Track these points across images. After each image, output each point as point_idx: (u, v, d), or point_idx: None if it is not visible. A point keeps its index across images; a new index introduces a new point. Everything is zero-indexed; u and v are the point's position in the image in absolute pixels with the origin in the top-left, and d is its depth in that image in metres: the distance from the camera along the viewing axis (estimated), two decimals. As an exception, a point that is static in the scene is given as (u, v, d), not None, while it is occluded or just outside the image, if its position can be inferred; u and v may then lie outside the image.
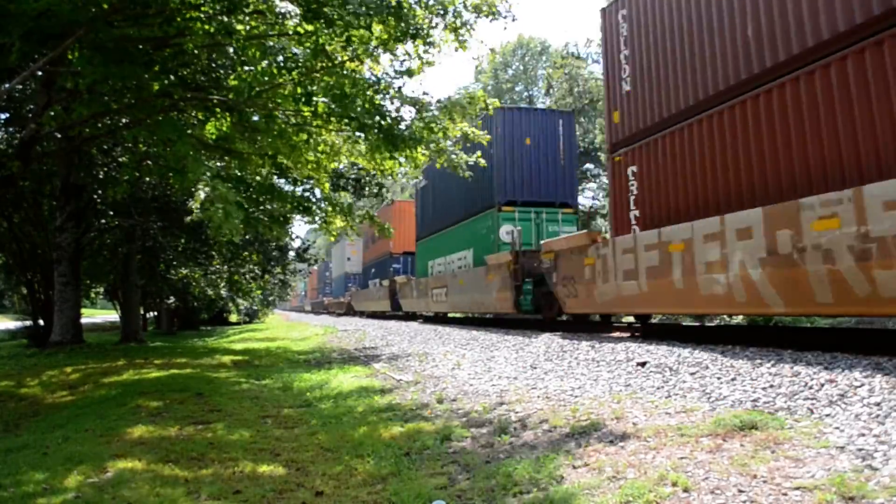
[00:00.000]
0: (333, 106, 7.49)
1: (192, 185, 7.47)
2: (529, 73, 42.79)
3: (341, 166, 12.21)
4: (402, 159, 8.86)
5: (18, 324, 21.57)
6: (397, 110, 8.12)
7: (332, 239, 12.92)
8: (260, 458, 4.11)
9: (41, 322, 16.72)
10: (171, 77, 7.27)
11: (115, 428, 5.24)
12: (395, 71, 8.22)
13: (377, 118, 7.69)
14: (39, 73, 8.12)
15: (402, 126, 8.04)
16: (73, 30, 6.21)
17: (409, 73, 8.06)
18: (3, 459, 4.46)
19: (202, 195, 7.15)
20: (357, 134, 8.26)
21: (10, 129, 13.96)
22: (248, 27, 7.24)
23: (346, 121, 7.62)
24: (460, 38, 7.93)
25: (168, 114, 7.78)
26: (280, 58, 7.31)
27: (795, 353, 5.59)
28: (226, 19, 6.70)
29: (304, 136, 8.57)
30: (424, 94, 8.58)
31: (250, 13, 6.95)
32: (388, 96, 8.14)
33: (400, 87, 8.29)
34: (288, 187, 11.98)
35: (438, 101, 8.57)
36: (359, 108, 7.52)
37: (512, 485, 3.28)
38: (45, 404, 7.22)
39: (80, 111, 7.88)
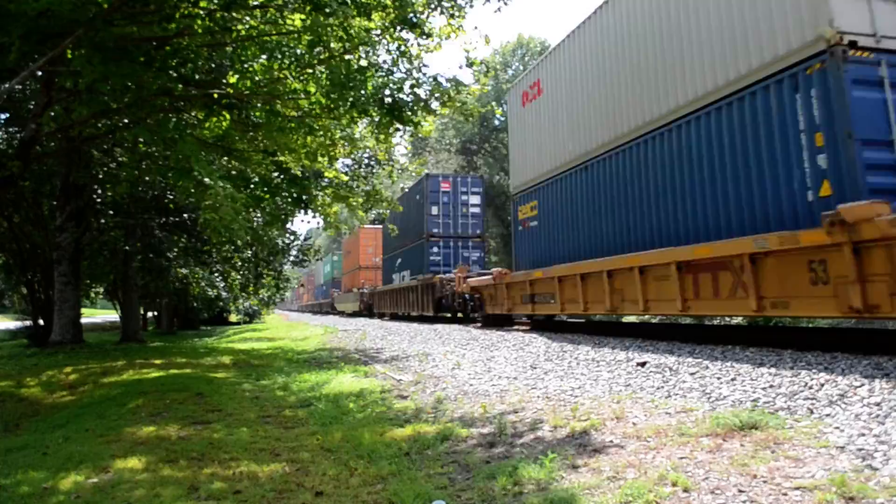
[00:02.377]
0: (333, 96, 7.44)
1: (192, 186, 7.46)
2: (529, 73, 42.77)
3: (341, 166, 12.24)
4: (407, 128, 8.77)
5: (18, 324, 21.54)
6: (398, 83, 8.01)
7: (332, 233, 13.02)
8: (260, 459, 4.11)
9: (41, 322, 16.71)
10: (171, 74, 7.27)
11: (115, 428, 5.24)
12: (393, 55, 8.17)
13: (378, 98, 7.65)
14: (39, 72, 8.11)
15: (405, 94, 7.98)
16: (72, 29, 6.20)
17: (408, 56, 8.01)
18: (3, 459, 4.46)
19: (209, 189, 7.14)
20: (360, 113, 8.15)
21: (11, 129, 13.96)
22: (247, 25, 7.24)
23: (347, 107, 7.58)
24: (453, 23, 7.91)
25: (168, 113, 7.77)
26: (278, 54, 7.30)
27: (795, 353, 5.59)
28: (225, 15, 6.69)
29: (304, 132, 8.56)
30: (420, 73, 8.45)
31: (249, 7, 6.95)
32: (388, 75, 8.05)
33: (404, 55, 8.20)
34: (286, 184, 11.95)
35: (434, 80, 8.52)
36: (361, 95, 7.48)
37: (512, 485, 3.28)
38: (45, 404, 7.22)
39: (80, 111, 7.88)
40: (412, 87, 8.17)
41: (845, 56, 5.88)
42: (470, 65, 8.40)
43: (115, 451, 4.40)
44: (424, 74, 8.36)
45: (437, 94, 8.19)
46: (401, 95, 7.90)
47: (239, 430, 5.01)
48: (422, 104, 8.09)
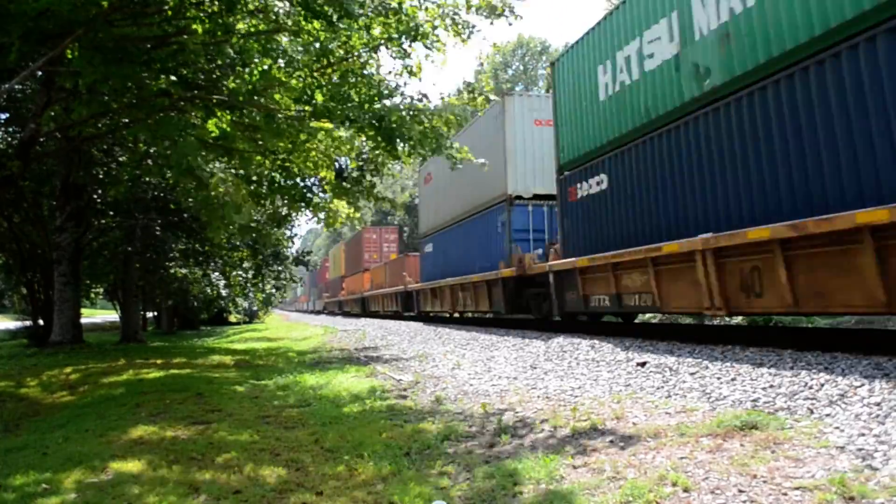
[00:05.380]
0: (332, 104, 7.47)
1: (192, 182, 7.45)
2: (529, 73, 42.82)
3: (344, 160, 12.09)
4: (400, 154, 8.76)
5: (18, 324, 21.55)
6: (397, 111, 8.02)
7: (336, 225, 12.74)
8: (260, 459, 4.11)
9: (41, 322, 16.71)
10: (171, 76, 7.27)
11: (115, 428, 5.23)
12: (396, 69, 8.18)
13: (375, 121, 7.68)
14: (39, 72, 8.11)
15: (402, 130, 8.00)
16: (72, 29, 6.20)
17: (411, 72, 8.02)
18: (3, 459, 4.46)
19: (213, 183, 7.14)
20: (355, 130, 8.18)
21: (10, 129, 13.96)
22: (248, 25, 7.24)
23: (344, 120, 7.61)
24: (462, 36, 7.90)
25: (168, 113, 7.77)
26: (280, 62, 7.31)
27: (795, 353, 5.59)
28: (226, 20, 6.69)
29: (304, 136, 8.56)
30: (422, 96, 8.42)
31: (249, 11, 6.95)
32: (386, 95, 8.06)
33: (398, 86, 8.24)
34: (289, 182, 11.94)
35: (434, 106, 8.48)
36: (357, 110, 7.52)
37: (512, 485, 3.28)
38: (45, 404, 7.21)
39: (80, 111, 7.88)
40: (411, 115, 8.09)
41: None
42: (472, 91, 8.40)
43: (115, 452, 4.40)
44: (422, 103, 8.30)
45: (429, 135, 8.11)
46: (394, 123, 7.85)
47: (239, 430, 5.01)
48: (416, 136, 8.07)
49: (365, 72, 8.14)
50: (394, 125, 7.69)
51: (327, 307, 43.70)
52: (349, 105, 7.47)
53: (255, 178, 10.09)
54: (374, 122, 7.67)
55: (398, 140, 7.87)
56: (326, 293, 44.46)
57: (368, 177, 12.27)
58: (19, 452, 4.66)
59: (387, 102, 7.95)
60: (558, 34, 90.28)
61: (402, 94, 8.25)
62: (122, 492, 3.49)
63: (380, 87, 7.99)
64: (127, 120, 8.67)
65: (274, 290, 31.59)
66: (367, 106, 7.62)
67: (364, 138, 8.44)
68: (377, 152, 8.96)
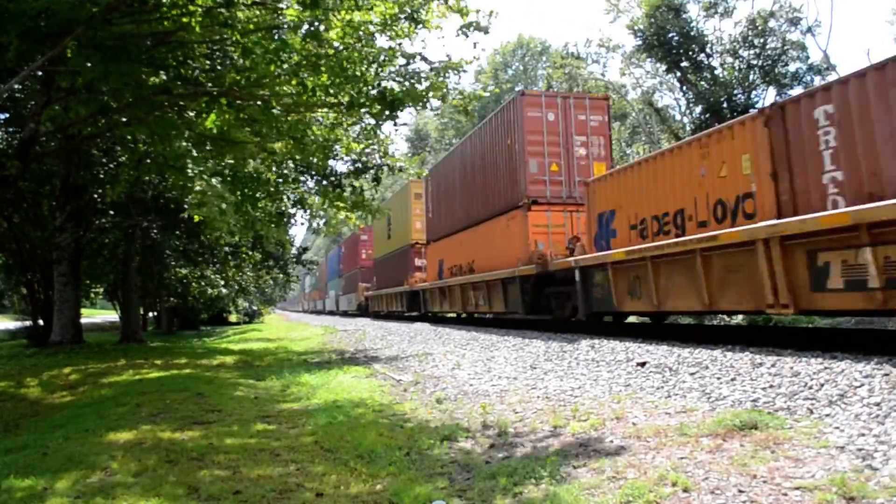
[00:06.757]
0: (333, 80, 7.41)
1: (188, 182, 7.44)
2: (529, 73, 42.84)
3: (344, 160, 12.01)
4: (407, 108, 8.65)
5: (18, 324, 21.52)
6: (398, 74, 7.90)
7: (333, 233, 12.89)
8: (260, 459, 4.11)
9: (41, 322, 16.70)
10: (170, 72, 7.26)
11: (115, 428, 5.23)
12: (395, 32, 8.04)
13: (375, 93, 7.64)
14: (38, 72, 8.10)
15: (403, 87, 7.92)
16: (71, 28, 6.19)
17: (415, 23, 7.91)
18: (3, 459, 4.45)
19: (198, 188, 7.12)
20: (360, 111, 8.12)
21: (10, 129, 13.94)
22: (247, 18, 7.23)
23: (346, 100, 7.58)
24: (460, 9, 7.81)
25: (166, 112, 7.75)
26: (280, 53, 7.28)
27: (795, 353, 5.59)
28: (225, 13, 6.67)
29: (303, 130, 8.55)
30: (421, 58, 8.31)
31: (248, 4, 6.94)
32: (387, 67, 7.98)
33: (401, 54, 8.12)
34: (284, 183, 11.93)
35: (432, 66, 8.37)
36: (355, 91, 7.49)
37: (512, 485, 3.28)
38: (45, 404, 7.21)
39: (78, 110, 7.86)
40: (409, 78, 8.02)
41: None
42: (468, 26, 8.13)
43: (114, 452, 4.39)
44: (424, 63, 8.23)
45: (434, 83, 8.06)
46: (395, 84, 7.79)
47: (239, 430, 5.01)
48: (418, 93, 7.99)
49: (363, 46, 8.04)
50: (397, 95, 7.66)
51: (371, 305, 26.62)
52: (349, 82, 7.39)
53: (251, 174, 10.05)
54: (377, 97, 7.64)
55: (398, 104, 7.84)
56: (366, 283, 27.91)
57: (365, 179, 12.19)
58: (19, 452, 4.65)
59: (384, 74, 7.90)
60: (558, 35, 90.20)
61: (400, 54, 8.12)
62: (122, 492, 3.48)
63: (378, 58, 7.89)
64: (126, 119, 8.65)
65: (284, 280, 30.19)
66: (363, 86, 7.55)
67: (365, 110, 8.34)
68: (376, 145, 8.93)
